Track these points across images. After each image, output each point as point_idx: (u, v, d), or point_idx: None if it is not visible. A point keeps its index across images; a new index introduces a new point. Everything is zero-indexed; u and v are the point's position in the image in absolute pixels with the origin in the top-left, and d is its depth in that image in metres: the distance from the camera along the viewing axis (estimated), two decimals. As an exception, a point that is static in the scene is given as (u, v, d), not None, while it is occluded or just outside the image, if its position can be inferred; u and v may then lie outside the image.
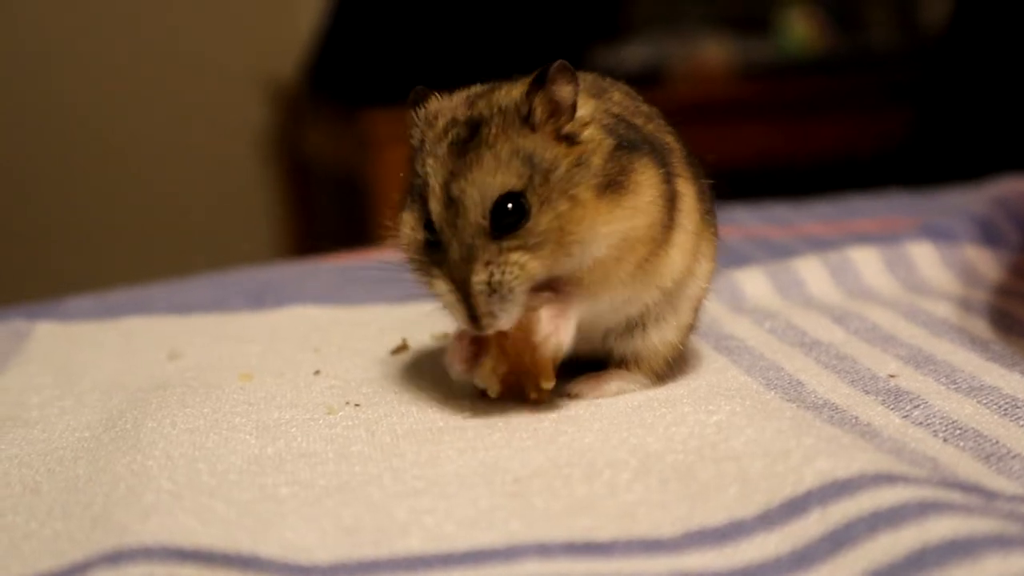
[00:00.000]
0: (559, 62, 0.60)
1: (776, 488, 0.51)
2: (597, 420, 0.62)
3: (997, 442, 0.59)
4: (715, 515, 0.51)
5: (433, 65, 1.88)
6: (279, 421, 0.64)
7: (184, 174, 2.45)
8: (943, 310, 0.82)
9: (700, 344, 0.75)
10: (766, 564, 0.47)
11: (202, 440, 0.61)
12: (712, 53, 2.25)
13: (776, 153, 2.18)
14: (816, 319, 0.81)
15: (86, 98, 2.37)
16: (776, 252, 0.99)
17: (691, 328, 0.70)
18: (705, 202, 0.68)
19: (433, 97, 0.64)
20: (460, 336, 0.64)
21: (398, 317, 0.82)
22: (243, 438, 0.61)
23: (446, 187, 0.60)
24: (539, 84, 0.60)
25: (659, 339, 0.67)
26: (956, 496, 0.50)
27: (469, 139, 0.60)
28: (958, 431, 0.60)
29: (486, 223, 0.59)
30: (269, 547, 0.49)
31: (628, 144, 0.62)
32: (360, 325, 0.84)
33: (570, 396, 0.66)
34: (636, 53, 2.22)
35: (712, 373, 0.70)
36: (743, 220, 1.12)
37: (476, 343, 0.64)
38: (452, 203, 0.60)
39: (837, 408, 0.64)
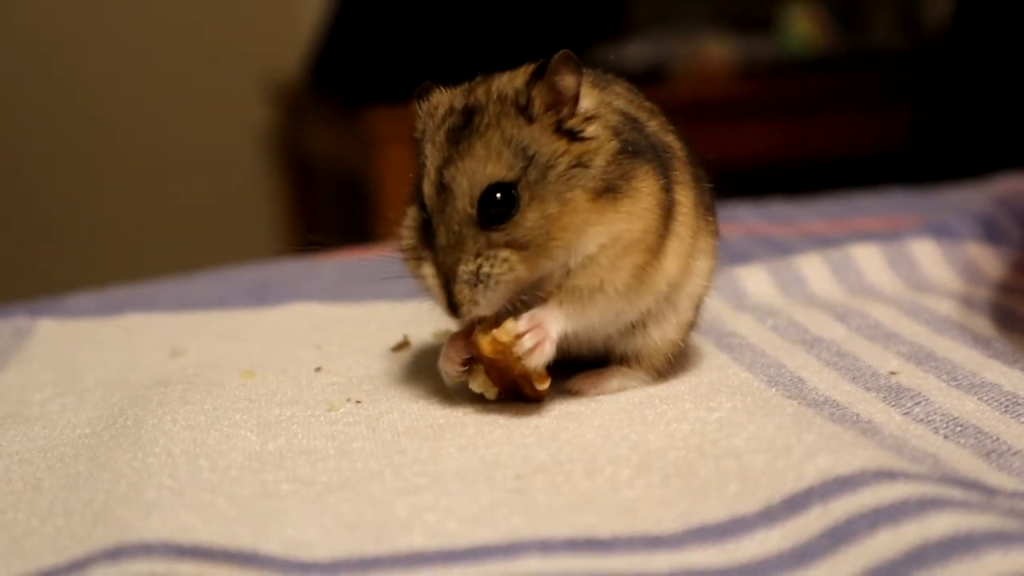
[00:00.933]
0: (563, 52, 0.60)
1: (777, 484, 0.51)
2: (598, 417, 0.62)
3: (998, 439, 0.59)
4: (716, 511, 0.51)
5: (435, 63, 1.87)
6: (280, 418, 0.64)
7: (186, 172, 2.45)
8: (945, 307, 0.82)
9: (702, 341, 0.75)
10: (767, 560, 0.47)
11: (203, 437, 0.61)
12: (714, 51, 2.25)
13: (777, 152, 2.17)
14: (818, 316, 0.81)
15: (88, 96, 2.37)
16: (778, 250, 0.99)
17: (692, 325, 0.69)
18: (704, 201, 0.68)
19: (436, 90, 0.64)
20: (453, 341, 0.64)
21: (399, 314, 0.82)
22: (244, 435, 0.62)
23: (439, 172, 0.60)
24: (540, 74, 0.60)
25: (660, 336, 0.67)
26: (957, 493, 0.50)
27: (463, 127, 0.60)
28: (959, 428, 0.60)
29: (473, 212, 0.59)
30: (270, 543, 0.49)
31: (633, 148, 0.62)
32: (361, 322, 0.84)
33: (571, 393, 0.66)
34: (638, 51, 2.22)
35: (713, 370, 0.70)
36: (745, 218, 1.12)
37: (470, 348, 0.63)
38: (444, 189, 0.60)
39: (838, 405, 0.64)
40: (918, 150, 1.86)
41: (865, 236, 0.98)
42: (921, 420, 0.61)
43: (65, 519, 0.53)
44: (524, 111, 0.60)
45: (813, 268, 0.91)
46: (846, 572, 0.45)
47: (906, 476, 0.50)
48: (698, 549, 0.48)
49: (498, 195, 0.59)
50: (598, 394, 0.66)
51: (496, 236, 0.59)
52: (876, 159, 1.93)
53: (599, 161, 0.60)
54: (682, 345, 0.69)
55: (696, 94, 2.12)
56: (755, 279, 0.89)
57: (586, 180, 0.60)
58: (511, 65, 0.64)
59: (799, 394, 0.65)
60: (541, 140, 0.60)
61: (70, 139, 2.38)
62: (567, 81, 0.60)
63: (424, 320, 0.67)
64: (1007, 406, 0.63)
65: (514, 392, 0.64)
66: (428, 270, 0.61)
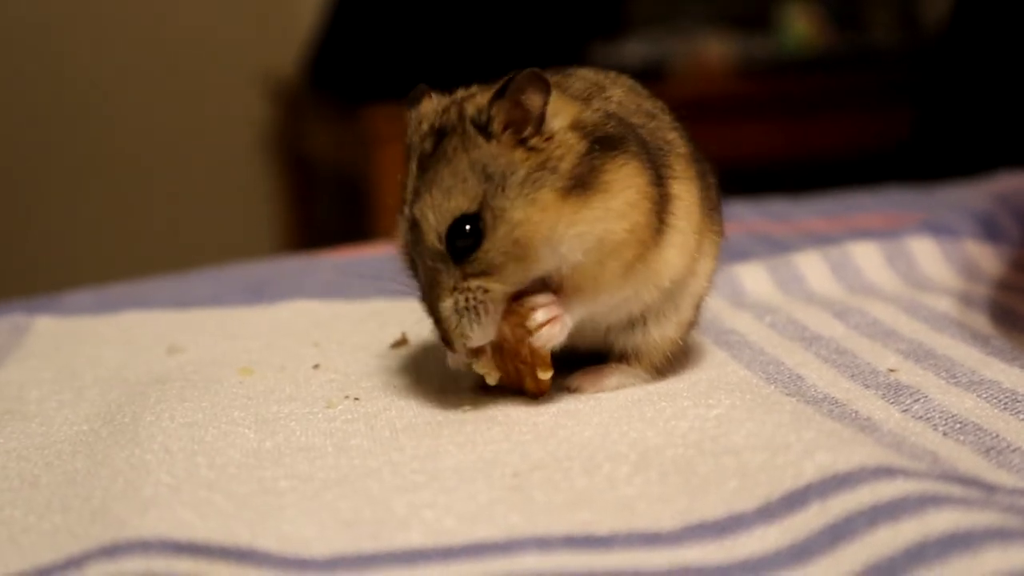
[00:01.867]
0: (528, 70, 0.58)
1: (776, 481, 0.51)
2: (597, 414, 0.62)
3: (997, 436, 0.59)
4: (715, 508, 0.50)
5: (434, 61, 1.88)
6: (278, 415, 0.64)
7: (184, 170, 2.45)
8: (944, 305, 0.82)
9: (700, 339, 0.75)
10: (766, 557, 0.47)
11: (201, 434, 0.61)
12: (712, 50, 2.25)
13: (776, 151, 2.18)
14: (817, 314, 0.81)
15: (86, 94, 2.37)
16: (777, 247, 0.99)
17: (692, 324, 0.69)
18: (710, 200, 0.68)
19: (427, 98, 0.63)
20: None
21: (398, 311, 0.82)
22: (242, 432, 0.61)
23: (411, 207, 0.60)
24: (501, 93, 0.59)
25: (659, 335, 0.67)
26: (956, 490, 0.50)
27: (432, 152, 0.60)
28: (958, 425, 0.60)
29: (443, 248, 0.59)
30: (267, 540, 0.49)
31: (606, 143, 0.60)
32: (360, 319, 0.84)
33: (570, 390, 0.66)
34: (637, 50, 2.22)
35: (712, 367, 0.70)
36: (743, 215, 1.12)
37: None
38: (415, 225, 0.60)
39: (837, 402, 0.64)
40: (917, 148, 1.86)
41: (864, 234, 0.98)
42: (920, 417, 0.61)
43: (63, 516, 0.53)
44: (483, 130, 0.59)
45: (812, 266, 0.91)
46: (845, 569, 0.45)
47: (905, 473, 0.50)
48: (697, 546, 0.48)
49: (466, 227, 0.58)
50: (597, 391, 0.66)
51: (469, 267, 0.59)
52: (875, 158, 1.94)
53: (565, 164, 0.59)
54: (681, 343, 0.69)
55: (694, 93, 2.12)
56: (754, 277, 0.89)
57: (553, 180, 0.59)
58: (510, 63, 0.64)
59: (798, 391, 0.65)
60: (499, 155, 0.59)
61: (68, 137, 2.38)
62: (532, 100, 0.59)
63: (423, 317, 0.67)
64: (1006, 403, 0.63)
65: (515, 381, 0.64)
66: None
